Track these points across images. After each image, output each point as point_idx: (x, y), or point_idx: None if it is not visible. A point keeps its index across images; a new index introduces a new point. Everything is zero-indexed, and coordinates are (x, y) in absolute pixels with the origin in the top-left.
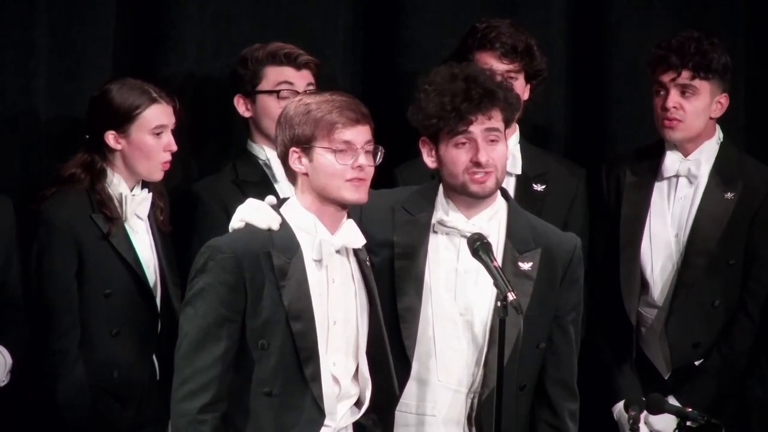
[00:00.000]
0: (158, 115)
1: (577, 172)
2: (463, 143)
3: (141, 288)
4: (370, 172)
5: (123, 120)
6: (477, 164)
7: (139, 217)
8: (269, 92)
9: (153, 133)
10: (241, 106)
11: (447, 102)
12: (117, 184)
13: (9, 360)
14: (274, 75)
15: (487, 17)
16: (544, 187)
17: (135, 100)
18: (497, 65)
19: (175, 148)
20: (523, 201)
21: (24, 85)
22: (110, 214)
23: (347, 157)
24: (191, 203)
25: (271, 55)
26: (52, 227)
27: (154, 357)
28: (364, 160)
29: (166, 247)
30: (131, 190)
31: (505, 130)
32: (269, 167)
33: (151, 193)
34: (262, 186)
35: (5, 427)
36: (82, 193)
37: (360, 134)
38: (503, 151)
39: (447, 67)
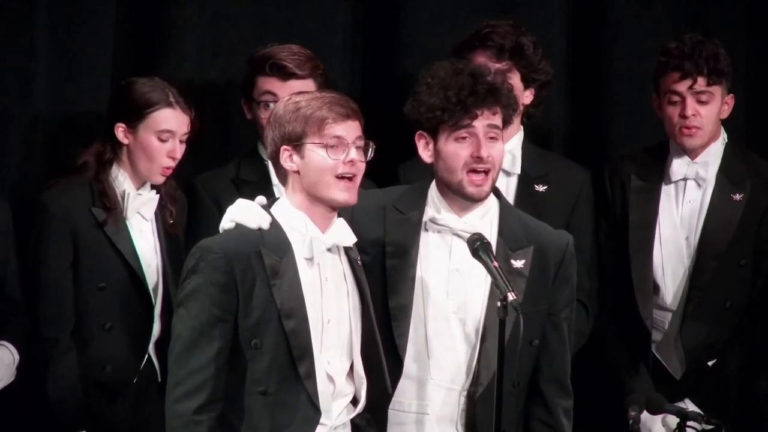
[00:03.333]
0: (168, 119)
1: (581, 174)
2: (465, 138)
3: (136, 284)
4: (361, 167)
5: (134, 115)
6: (478, 159)
7: (144, 217)
8: (257, 102)
9: (158, 135)
10: (247, 112)
11: (452, 95)
12: (122, 180)
13: (17, 356)
14: (261, 84)
15: (487, 17)
16: (546, 188)
17: (150, 98)
18: (489, 64)
19: (177, 156)
20: (524, 201)
21: (24, 85)
22: (109, 204)
23: (339, 152)
24: (189, 197)
25: (260, 65)
26: (49, 216)
27: (155, 358)
28: (355, 154)
29: (173, 251)
30: (138, 189)
31: (502, 131)
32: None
33: (158, 195)
34: (260, 186)
35: (7, 422)
36: (85, 185)
37: (350, 129)
38: (501, 151)
39: (449, 62)
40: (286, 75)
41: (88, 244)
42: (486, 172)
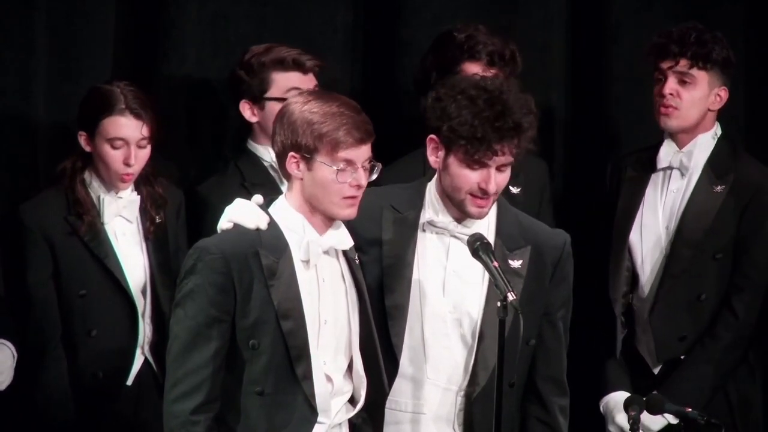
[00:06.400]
0: (117, 127)
1: (541, 166)
2: (476, 166)
3: (118, 289)
4: (364, 186)
5: (91, 123)
6: (483, 191)
7: (127, 219)
8: (279, 99)
9: (111, 143)
10: (247, 111)
11: (478, 127)
12: (96, 186)
13: (15, 354)
14: (283, 81)
15: (488, 18)
16: (519, 189)
17: (100, 106)
18: (483, 72)
19: (132, 162)
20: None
21: (24, 85)
22: (82, 211)
23: (347, 175)
24: (198, 206)
25: (278, 61)
26: (24, 228)
27: (152, 361)
28: (362, 177)
29: (160, 251)
30: (117, 193)
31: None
32: (276, 170)
33: (139, 197)
34: (269, 188)
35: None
36: (61, 194)
37: (362, 153)
38: (507, 176)
39: (478, 78)
40: (305, 69)
41: (66, 253)
42: (490, 199)
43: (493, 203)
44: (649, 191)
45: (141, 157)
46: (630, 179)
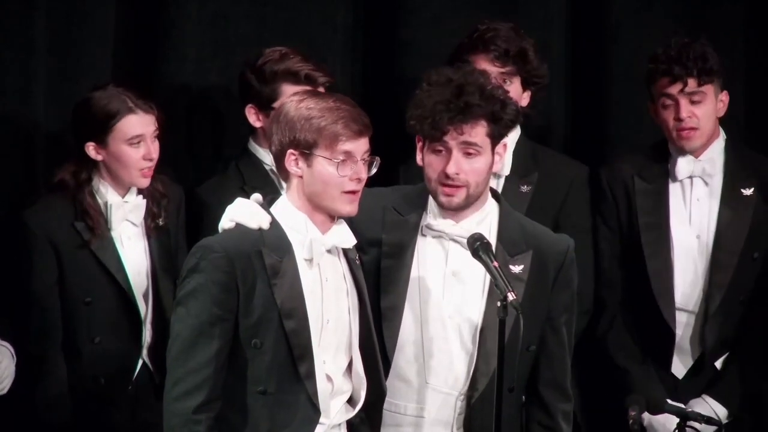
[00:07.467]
0: (134, 125)
1: (572, 171)
2: (440, 150)
3: (123, 297)
4: (364, 180)
5: (101, 131)
6: (445, 175)
7: (132, 223)
8: None
9: (129, 143)
10: (252, 116)
11: (428, 107)
12: (105, 192)
13: (15, 356)
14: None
15: (487, 18)
16: (529, 188)
17: (110, 110)
18: (491, 68)
19: (154, 156)
20: (510, 202)
21: (24, 85)
22: (91, 223)
23: (347, 169)
24: (197, 207)
25: (291, 74)
26: (30, 234)
27: (149, 363)
28: (362, 170)
29: (163, 253)
30: (123, 197)
31: (494, 144)
32: (276, 174)
33: (145, 200)
34: (269, 192)
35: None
36: (67, 201)
37: (360, 145)
38: (480, 166)
39: (449, 69)
40: (317, 85)
41: (72, 261)
42: (457, 187)
43: (466, 195)
44: (672, 203)
45: (156, 149)
46: (644, 192)
